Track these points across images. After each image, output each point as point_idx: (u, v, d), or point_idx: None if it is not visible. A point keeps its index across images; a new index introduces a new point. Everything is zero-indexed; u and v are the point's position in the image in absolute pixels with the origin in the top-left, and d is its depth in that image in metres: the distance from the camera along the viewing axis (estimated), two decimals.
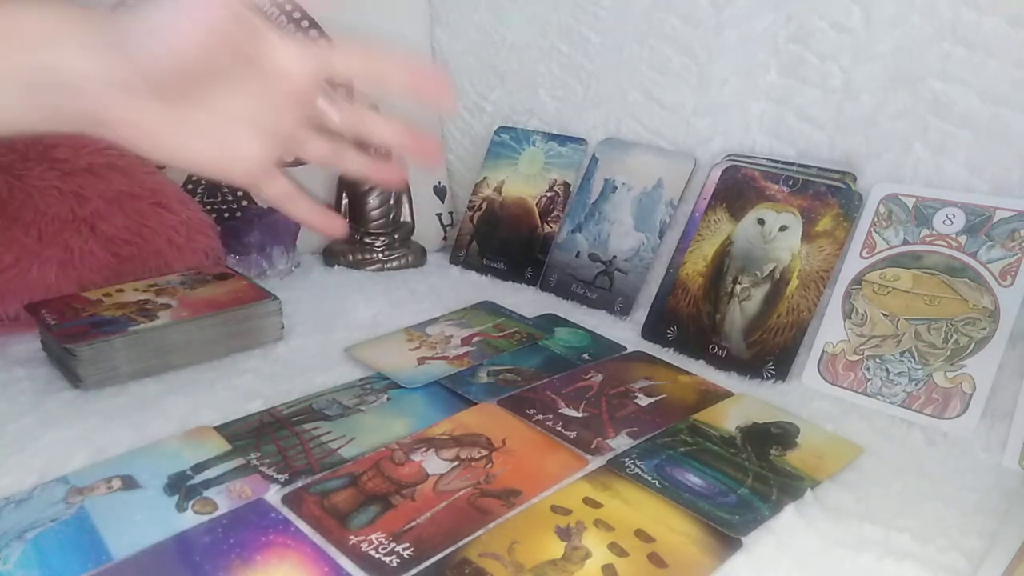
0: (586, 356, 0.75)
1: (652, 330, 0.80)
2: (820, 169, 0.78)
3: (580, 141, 0.96)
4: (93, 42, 0.37)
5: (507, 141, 1.02)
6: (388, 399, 0.65)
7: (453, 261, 1.02)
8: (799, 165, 0.79)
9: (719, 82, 0.86)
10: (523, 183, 0.99)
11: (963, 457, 0.60)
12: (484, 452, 0.57)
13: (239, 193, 0.99)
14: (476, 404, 0.65)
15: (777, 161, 0.81)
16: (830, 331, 0.71)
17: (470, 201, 1.03)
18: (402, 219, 1.01)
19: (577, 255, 0.91)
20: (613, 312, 0.86)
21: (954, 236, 0.68)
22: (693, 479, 0.55)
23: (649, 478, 0.55)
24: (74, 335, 0.65)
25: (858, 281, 0.72)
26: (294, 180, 0.46)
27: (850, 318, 0.71)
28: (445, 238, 1.09)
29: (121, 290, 0.75)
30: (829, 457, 0.59)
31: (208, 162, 0.43)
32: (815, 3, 0.79)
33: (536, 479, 0.54)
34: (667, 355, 0.77)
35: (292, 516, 0.50)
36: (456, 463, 0.56)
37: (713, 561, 0.47)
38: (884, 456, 0.59)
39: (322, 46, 0.44)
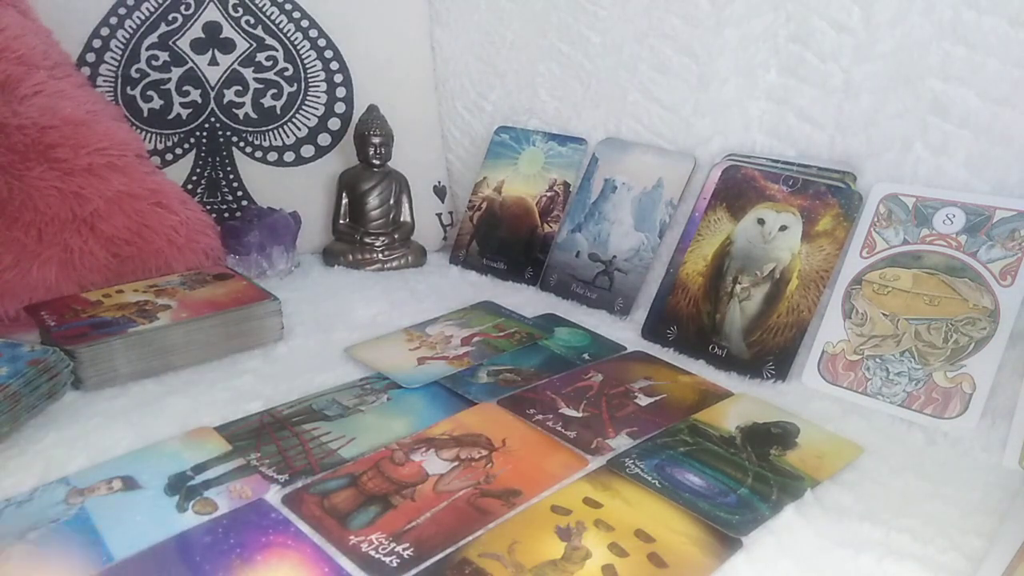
0: (586, 356, 0.75)
1: (652, 330, 0.80)
2: (820, 169, 0.78)
3: (580, 141, 0.96)
4: None
5: (507, 141, 1.02)
6: (388, 399, 0.65)
7: (453, 261, 1.02)
8: (799, 165, 0.79)
9: (719, 82, 0.86)
10: (523, 183, 0.99)
11: (963, 457, 0.60)
12: (484, 452, 0.57)
13: (239, 193, 0.99)
14: (476, 404, 0.65)
15: (777, 161, 0.81)
16: (830, 331, 0.71)
17: (470, 201, 1.03)
18: (402, 219, 1.01)
19: (577, 255, 0.91)
20: (613, 312, 0.86)
21: (954, 236, 0.68)
22: (693, 479, 0.55)
23: (649, 478, 0.55)
24: (74, 336, 0.65)
25: (858, 281, 0.72)
26: None
27: (850, 318, 0.71)
28: (445, 238, 1.09)
29: (121, 291, 0.75)
30: (829, 457, 0.58)
31: None
32: (815, 3, 0.79)
33: (536, 479, 0.54)
34: (667, 355, 0.77)
35: (292, 516, 0.50)
36: (456, 463, 0.56)
37: (713, 561, 0.47)
38: (884, 456, 0.59)
39: None
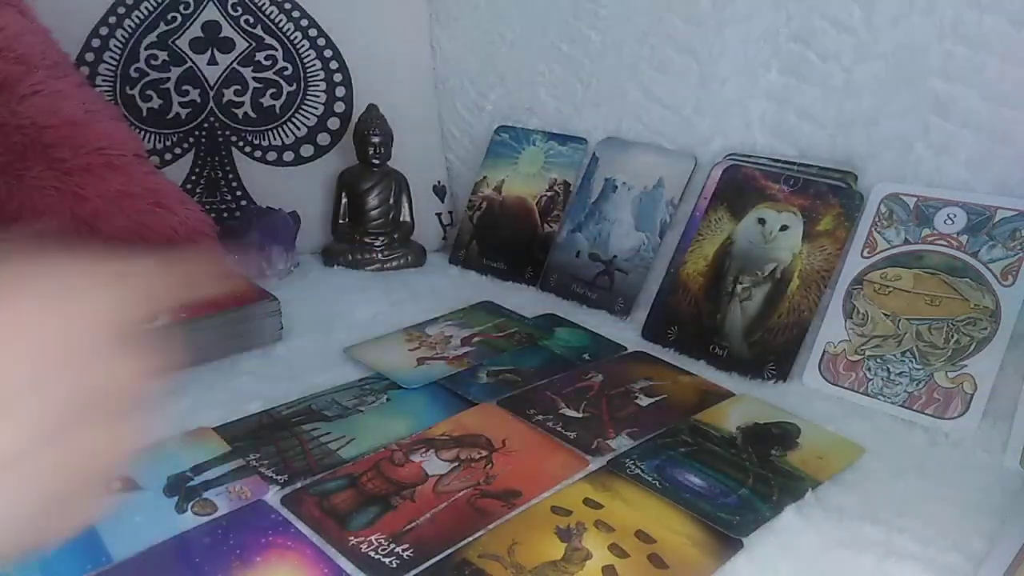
0: (586, 356, 0.75)
1: (652, 330, 0.80)
2: (821, 168, 0.77)
3: (580, 140, 0.96)
4: None
5: (507, 140, 1.02)
6: (388, 399, 0.65)
7: (453, 261, 1.02)
8: (800, 164, 0.79)
9: (720, 81, 0.86)
10: (523, 182, 0.99)
11: (964, 457, 0.60)
12: (484, 453, 0.57)
13: (238, 193, 0.99)
14: (476, 404, 0.64)
15: (778, 160, 0.80)
16: (831, 331, 0.71)
17: (470, 201, 1.02)
18: (401, 219, 1.01)
19: (577, 255, 0.91)
20: (613, 312, 0.86)
21: (955, 236, 0.68)
22: (694, 480, 0.55)
23: (650, 479, 0.54)
24: None
25: (859, 281, 0.71)
26: None
27: (851, 318, 0.71)
28: (445, 238, 1.09)
29: None
30: (830, 457, 0.58)
31: None
32: (816, 2, 0.79)
33: (536, 480, 0.54)
34: (668, 355, 0.76)
35: (292, 517, 0.50)
36: (456, 464, 0.56)
37: (714, 562, 0.47)
38: (885, 456, 0.59)
39: None
